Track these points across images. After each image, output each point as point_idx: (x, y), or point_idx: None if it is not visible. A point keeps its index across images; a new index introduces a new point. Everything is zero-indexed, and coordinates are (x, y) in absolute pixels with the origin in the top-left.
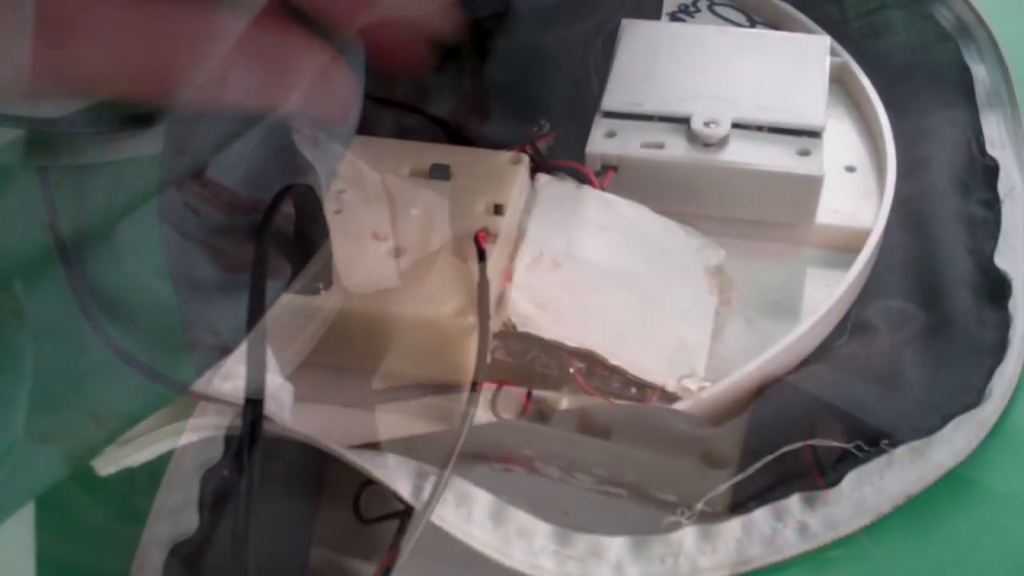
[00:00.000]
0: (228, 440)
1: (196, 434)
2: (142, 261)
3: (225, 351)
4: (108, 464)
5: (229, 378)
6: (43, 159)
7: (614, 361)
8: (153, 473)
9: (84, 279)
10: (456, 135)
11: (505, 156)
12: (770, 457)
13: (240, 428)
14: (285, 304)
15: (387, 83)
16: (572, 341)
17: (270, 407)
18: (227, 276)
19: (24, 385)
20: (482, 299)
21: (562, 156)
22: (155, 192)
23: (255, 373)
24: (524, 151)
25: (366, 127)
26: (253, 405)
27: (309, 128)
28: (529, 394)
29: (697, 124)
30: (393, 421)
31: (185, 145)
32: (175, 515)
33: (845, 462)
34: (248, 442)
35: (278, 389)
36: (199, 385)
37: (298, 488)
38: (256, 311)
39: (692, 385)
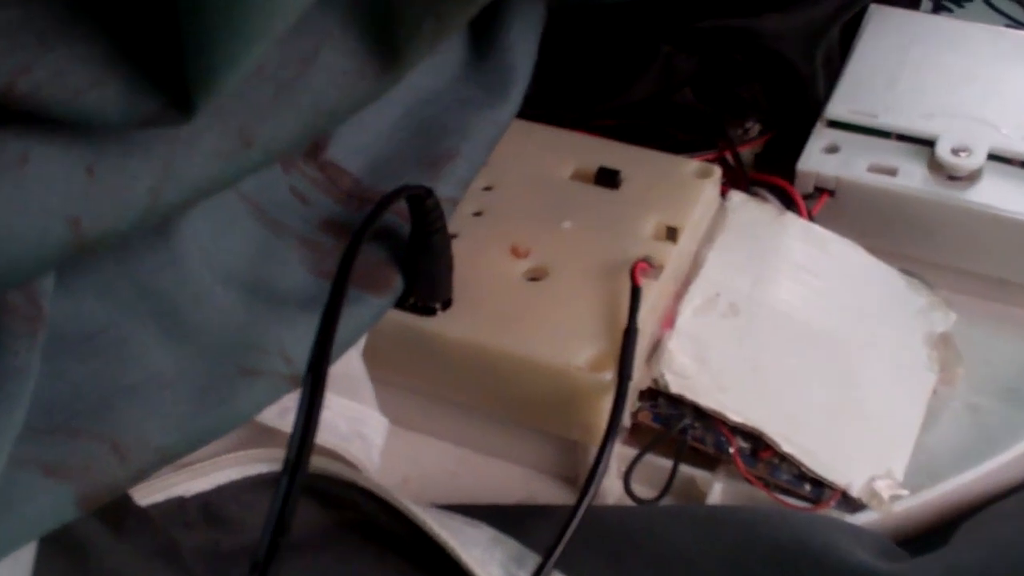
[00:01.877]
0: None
1: (260, 466)
2: (207, 263)
3: (297, 382)
4: (153, 491)
5: None
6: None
7: (787, 447)
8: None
9: (133, 282)
10: (636, 130)
11: (691, 166)
12: None
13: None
14: (392, 323)
15: (562, 59)
16: (737, 414)
17: (353, 449)
18: (319, 285)
19: (16, 412)
20: (626, 352)
21: (767, 169)
22: (217, 188)
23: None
24: (721, 157)
25: (527, 110)
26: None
27: (462, 104)
28: (674, 470)
29: (943, 150)
30: (494, 480)
31: (253, 136)
32: None
33: None
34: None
35: (369, 425)
36: (266, 416)
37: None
38: (326, 337)
39: (885, 491)
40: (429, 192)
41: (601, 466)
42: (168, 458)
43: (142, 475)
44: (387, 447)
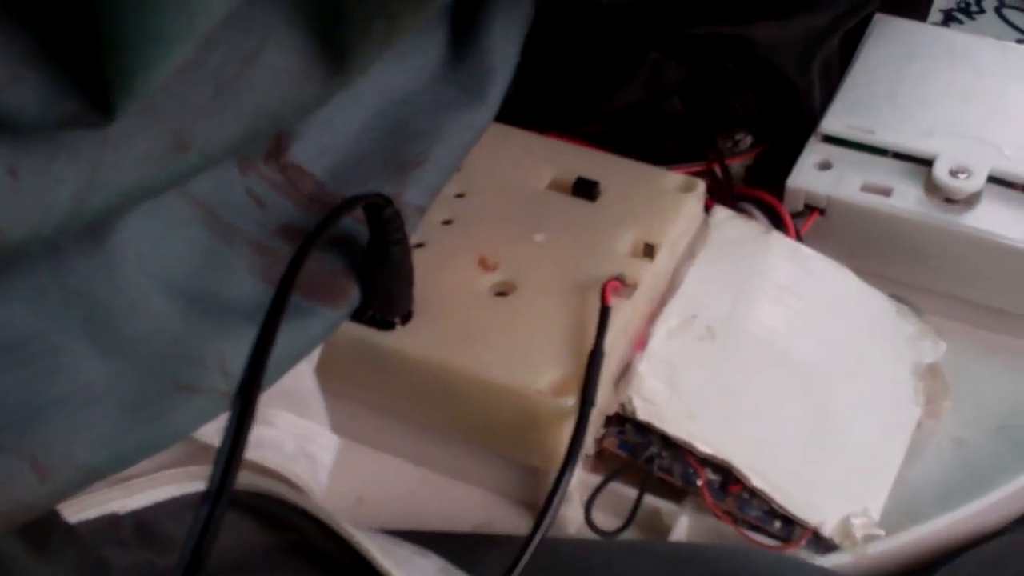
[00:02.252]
0: None
1: (200, 484)
2: (145, 270)
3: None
4: (85, 507)
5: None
6: None
7: (757, 481)
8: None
9: (64, 288)
10: (621, 138)
11: (674, 179)
12: None
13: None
14: (348, 336)
15: (548, 64)
16: (707, 445)
17: (298, 469)
18: (270, 294)
19: None
20: (590, 377)
21: (758, 183)
22: (149, 194)
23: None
24: (708, 170)
25: (507, 113)
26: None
27: (436, 107)
28: (639, 500)
29: (941, 170)
30: (453, 502)
31: (189, 139)
32: None
33: None
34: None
35: (317, 443)
36: (204, 433)
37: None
38: (259, 357)
39: (859, 531)
40: (387, 201)
41: (557, 497)
42: (94, 477)
43: (64, 494)
44: (342, 464)
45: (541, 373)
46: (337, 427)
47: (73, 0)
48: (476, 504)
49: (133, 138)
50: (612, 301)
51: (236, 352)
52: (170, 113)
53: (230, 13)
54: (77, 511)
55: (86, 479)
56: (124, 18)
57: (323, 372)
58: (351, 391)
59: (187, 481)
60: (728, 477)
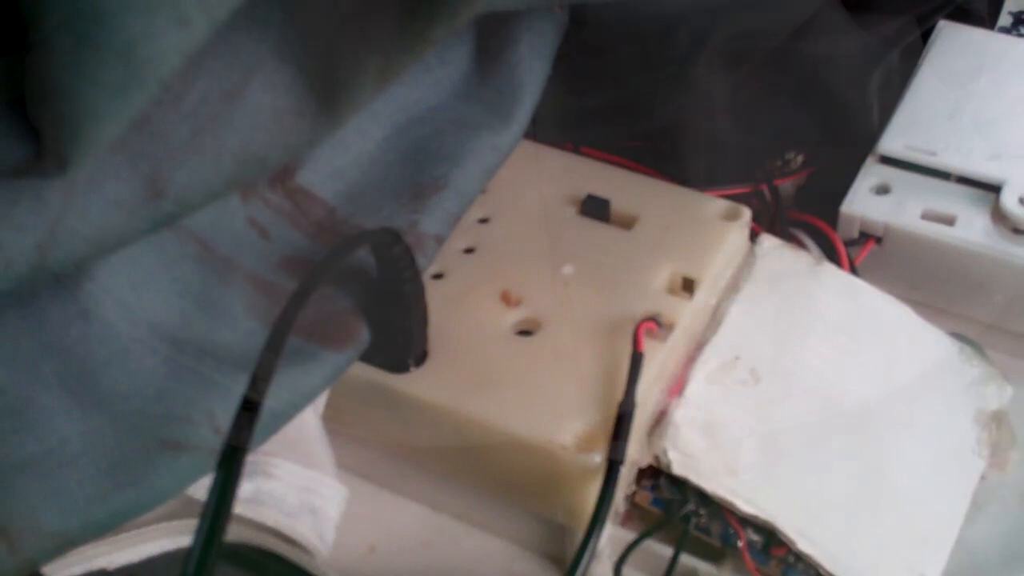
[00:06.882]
0: None
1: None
2: (126, 317)
3: None
4: (70, 564)
5: (251, 475)
6: None
7: (803, 544)
8: None
9: (36, 338)
10: (663, 155)
11: (717, 206)
12: None
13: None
14: (358, 378)
15: (586, 80)
16: (748, 503)
17: (301, 527)
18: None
19: None
20: (620, 431)
21: (808, 206)
22: (121, 243)
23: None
24: (755, 191)
25: (537, 129)
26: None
27: (458, 126)
28: (674, 561)
29: (1010, 199)
30: (472, 555)
31: (164, 185)
32: None
33: None
34: None
35: (323, 496)
36: (196, 489)
37: None
38: (248, 412)
39: None
40: (396, 238)
41: (583, 561)
42: (68, 545)
43: (35, 564)
44: (355, 508)
45: (566, 425)
46: (349, 467)
47: (17, 45)
48: (499, 557)
49: (104, 183)
50: (646, 345)
51: (228, 405)
52: (144, 155)
53: (204, 48)
54: (62, 568)
55: (60, 548)
56: (61, 67)
57: (330, 414)
58: (362, 433)
59: (182, 534)
60: (771, 538)
